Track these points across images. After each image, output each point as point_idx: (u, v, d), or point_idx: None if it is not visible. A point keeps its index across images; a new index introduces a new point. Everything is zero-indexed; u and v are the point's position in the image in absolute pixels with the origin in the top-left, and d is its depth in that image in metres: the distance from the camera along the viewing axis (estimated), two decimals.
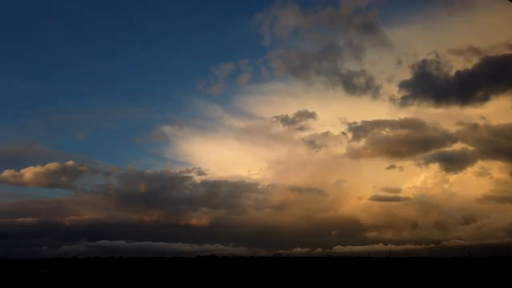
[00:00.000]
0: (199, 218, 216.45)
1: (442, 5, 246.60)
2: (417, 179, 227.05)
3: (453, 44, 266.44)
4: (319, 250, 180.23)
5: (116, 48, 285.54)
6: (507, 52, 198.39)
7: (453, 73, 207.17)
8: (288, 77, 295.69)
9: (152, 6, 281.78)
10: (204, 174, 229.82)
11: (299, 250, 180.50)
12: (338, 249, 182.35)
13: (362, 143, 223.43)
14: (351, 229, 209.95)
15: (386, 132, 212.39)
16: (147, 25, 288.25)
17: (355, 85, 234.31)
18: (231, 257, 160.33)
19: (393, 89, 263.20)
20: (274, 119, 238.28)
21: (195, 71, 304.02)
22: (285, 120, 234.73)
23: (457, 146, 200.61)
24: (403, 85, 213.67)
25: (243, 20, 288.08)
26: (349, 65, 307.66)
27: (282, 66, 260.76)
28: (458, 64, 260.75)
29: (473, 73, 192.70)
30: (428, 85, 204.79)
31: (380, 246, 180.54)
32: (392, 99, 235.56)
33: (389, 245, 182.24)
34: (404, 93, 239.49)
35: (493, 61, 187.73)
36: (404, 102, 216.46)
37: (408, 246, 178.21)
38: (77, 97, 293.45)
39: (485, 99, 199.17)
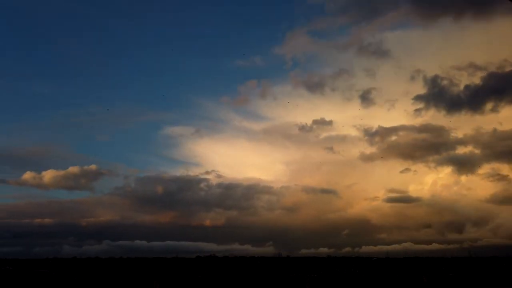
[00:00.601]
0: (228, 218, 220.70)
1: (441, 27, 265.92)
2: (434, 181, 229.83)
3: (455, 61, 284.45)
4: (348, 249, 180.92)
5: (140, 52, 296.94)
6: (509, 68, 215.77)
7: (462, 87, 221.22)
8: (306, 91, 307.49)
9: (186, 21, 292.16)
10: (221, 176, 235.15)
11: (325, 250, 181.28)
12: (369, 249, 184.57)
13: (377, 147, 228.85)
14: (370, 229, 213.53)
15: (400, 136, 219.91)
16: (175, 33, 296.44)
17: (371, 99, 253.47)
18: (231, 257, 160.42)
19: (408, 102, 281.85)
20: (293, 126, 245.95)
21: (219, 82, 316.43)
22: (303, 128, 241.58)
23: (469, 150, 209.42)
24: (417, 98, 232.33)
25: (267, 48, 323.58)
26: (364, 82, 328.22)
27: (301, 82, 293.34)
28: (464, 79, 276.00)
29: (481, 87, 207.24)
30: (441, 97, 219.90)
31: (409, 245, 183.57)
32: (406, 111, 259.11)
33: (418, 244, 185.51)
34: (418, 105, 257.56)
35: (497, 76, 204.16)
36: (418, 113, 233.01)
37: (436, 246, 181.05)
38: (98, 100, 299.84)
39: (493, 109, 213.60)
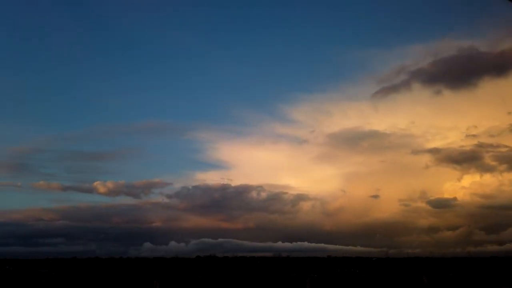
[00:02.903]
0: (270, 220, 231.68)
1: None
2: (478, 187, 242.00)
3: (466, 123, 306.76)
4: (470, 248, 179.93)
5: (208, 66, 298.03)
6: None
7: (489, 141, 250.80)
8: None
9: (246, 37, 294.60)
10: (269, 185, 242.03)
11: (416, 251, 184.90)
12: (495, 248, 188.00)
13: (429, 157, 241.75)
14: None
15: (451, 150, 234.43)
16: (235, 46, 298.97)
17: None
18: (231, 257, 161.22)
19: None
20: (348, 134, 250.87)
21: (266, 93, 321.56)
22: (358, 135, 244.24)
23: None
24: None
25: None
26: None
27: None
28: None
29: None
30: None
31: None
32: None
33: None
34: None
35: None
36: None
37: None
38: (156, 113, 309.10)
39: None
